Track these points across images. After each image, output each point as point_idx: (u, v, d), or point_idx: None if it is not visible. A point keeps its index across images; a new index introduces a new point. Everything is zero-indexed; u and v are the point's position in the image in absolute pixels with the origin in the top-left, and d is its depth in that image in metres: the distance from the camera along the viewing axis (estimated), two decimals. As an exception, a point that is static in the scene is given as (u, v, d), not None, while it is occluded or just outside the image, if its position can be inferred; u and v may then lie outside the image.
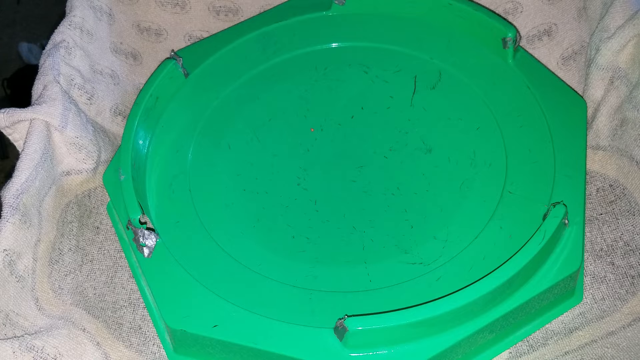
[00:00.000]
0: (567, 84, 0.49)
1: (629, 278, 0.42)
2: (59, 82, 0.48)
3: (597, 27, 0.49)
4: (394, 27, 0.55)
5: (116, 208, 0.46)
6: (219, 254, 0.44)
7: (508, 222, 0.42)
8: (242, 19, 0.60)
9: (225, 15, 0.60)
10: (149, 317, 0.44)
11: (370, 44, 0.54)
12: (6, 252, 0.40)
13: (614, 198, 0.45)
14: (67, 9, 0.53)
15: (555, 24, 0.54)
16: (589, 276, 0.43)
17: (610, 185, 0.46)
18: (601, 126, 0.47)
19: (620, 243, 0.43)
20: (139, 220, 0.43)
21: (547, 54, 0.54)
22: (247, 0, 0.60)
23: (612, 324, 0.41)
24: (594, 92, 0.48)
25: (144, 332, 0.44)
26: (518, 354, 0.41)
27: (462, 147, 0.47)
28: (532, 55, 0.51)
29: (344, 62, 0.54)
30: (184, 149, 0.50)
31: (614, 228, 0.44)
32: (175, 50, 0.54)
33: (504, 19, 0.53)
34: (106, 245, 0.48)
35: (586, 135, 0.46)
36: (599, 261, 0.43)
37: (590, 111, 0.48)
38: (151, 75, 0.51)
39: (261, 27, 0.56)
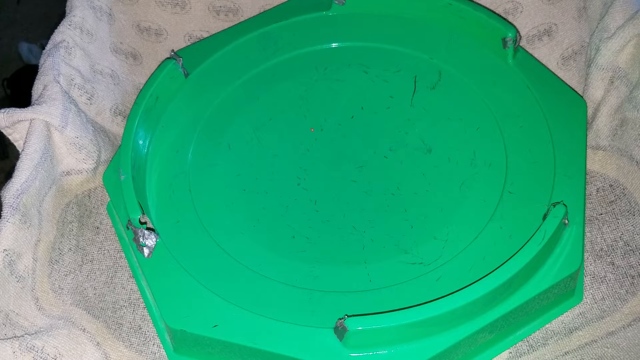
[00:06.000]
0: (567, 84, 0.49)
1: (629, 278, 0.42)
2: (59, 82, 0.48)
3: (597, 27, 0.49)
4: (394, 27, 0.55)
5: (116, 208, 0.46)
6: (219, 254, 0.44)
7: (508, 222, 0.42)
8: (242, 19, 0.60)
9: (225, 15, 0.60)
10: (149, 317, 0.44)
11: (370, 44, 0.54)
12: (6, 252, 0.40)
13: (614, 198, 0.45)
14: (67, 9, 0.53)
15: (555, 24, 0.54)
16: (589, 276, 0.43)
17: (610, 185, 0.46)
18: (601, 126, 0.47)
19: (620, 243, 0.43)
20: (139, 220, 0.43)
21: (547, 54, 0.54)
22: (247, 0, 0.60)
23: (612, 324, 0.41)
24: (594, 92, 0.48)
25: (144, 332, 0.44)
26: (518, 354, 0.41)
27: (462, 147, 0.47)
28: (532, 55, 0.51)
29: (344, 62, 0.54)
30: (184, 149, 0.50)
31: (614, 228, 0.44)
32: (175, 50, 0.54)
33: (504, 19, 0.53)
34: (106, 245, 0.48)
35: (586, 135, 0.46)
36: (599, 261, 0.43)
37: (590, 111, 0.48)
38: (151, 75, 0.51)
39: (261, 27, 0.56)
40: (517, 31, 0.50)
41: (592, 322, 0.41)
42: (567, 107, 0.47)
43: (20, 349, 0.39)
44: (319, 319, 0.39)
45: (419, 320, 0.37)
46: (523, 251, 0.38)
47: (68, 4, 0.54)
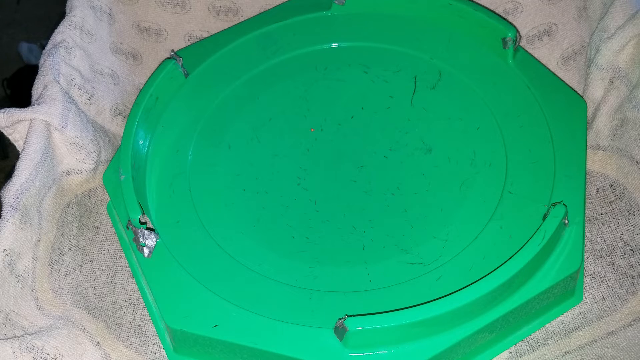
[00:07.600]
0: (567, 84, 0.49)
1: (629, 278, 0.42)
2: (59, 82, 0.48)
3: (597, 27, 0.49)
4: (394, 27, 0.55)
5: (116, 208, 0.46)
6: (219, 254, 0.44)
7: (508, 222, 0.42)
8: (242, 19, 0.60)
9: (225, 15, 0.60)
10: (149, 317, 0.44)
11: (370, 44, 0.54)
12: (6, 252, 0.40)
13: (614, 198, 0.45)
14: (67, 9, 0.53)
15: (555, 24, 0.54)
16: (589, 276, 0.43)
17: (610, 185, 0.46)
18: (601, 126, 0.47)
19: (620, 243, 0.43)
20: (139, 220, 0.43)
21: (547, 54, 0.54)
22: (247, 0, 0.60)
23: (612, 324, 0.41)
24: (594, 92, 0.48)
25: (144, 332, 0.44)
26: (518, 354, 0.41)
27: (462, 147, 0.47)
28: (532, 55, 0.51)
29: (344, 62, 0.54)
30: (184, 149, 0.50)
31: (614, 228, 0.44)
32: (175, 50, 0.54)
33: (504, 19, 0.53)
34: (106, 245, 0.48)
35: (586, 135, 0.46)
36: (599, 261, 0.43)
37: (590, 111, 0.48)
38: (151, 75, 0.51)
39: (261, 27, 0.56)
40: (517, 31, 0.50)
41: (592, 322, 0.41)
42: (567, 107, 0.47)
43: (20, 349, 0.39)
44: (319, 319, 0.39)
45: (419, 320, 0.37)
46: (523, 251, 0.38)
47: (68, 4, 0.54)
